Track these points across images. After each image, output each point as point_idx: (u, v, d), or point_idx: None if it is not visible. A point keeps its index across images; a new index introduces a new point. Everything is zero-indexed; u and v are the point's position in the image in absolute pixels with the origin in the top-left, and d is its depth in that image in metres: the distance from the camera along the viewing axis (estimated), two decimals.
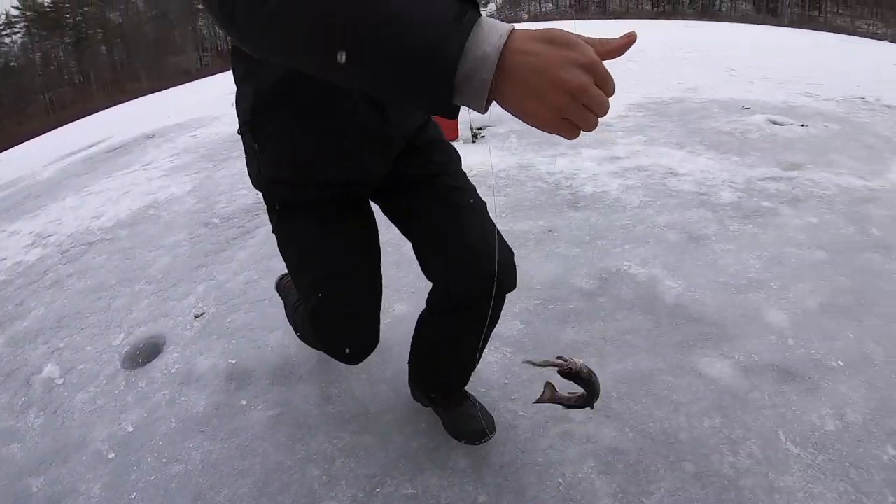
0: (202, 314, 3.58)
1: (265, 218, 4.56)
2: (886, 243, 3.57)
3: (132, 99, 60.14)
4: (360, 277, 1.86)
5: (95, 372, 3.26)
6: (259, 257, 4.24)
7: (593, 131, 0.85)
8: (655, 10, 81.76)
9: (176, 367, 3.12)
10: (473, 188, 1.96)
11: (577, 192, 4.47)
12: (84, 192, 8.74)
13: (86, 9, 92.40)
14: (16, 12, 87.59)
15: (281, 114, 1.63)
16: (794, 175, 4.74)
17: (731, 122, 6.55)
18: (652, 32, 27.50)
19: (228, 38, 1.45)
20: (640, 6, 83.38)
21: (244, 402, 2.67)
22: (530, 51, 0.79)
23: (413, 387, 2.32)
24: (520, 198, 4.43)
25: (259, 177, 1.81)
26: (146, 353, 3.33)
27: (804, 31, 38.46)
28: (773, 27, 43.70)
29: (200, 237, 4.95)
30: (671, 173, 4.78)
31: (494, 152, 5.69)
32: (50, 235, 6.70)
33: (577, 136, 0.86)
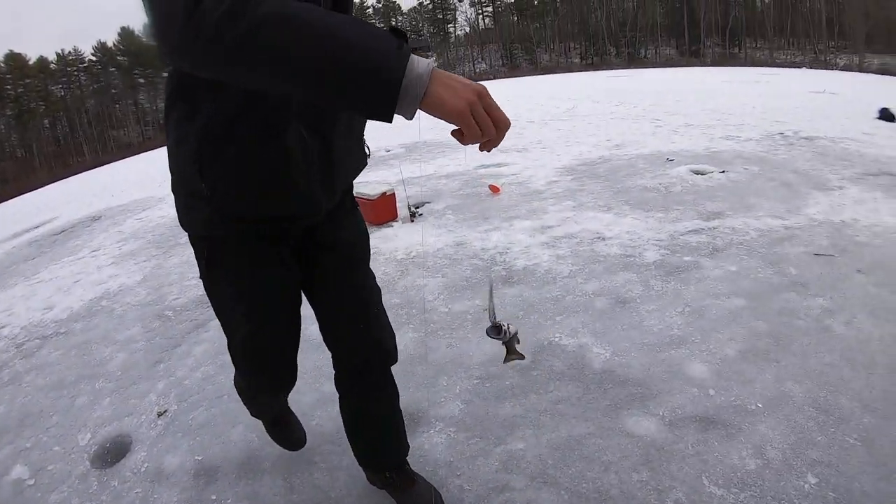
0: (165, 412, 3.63)
1: None
2: (803, 280, 3.86)
3: (75, 174, 59.72)
4: (280, 326, 2.03)
5: (66, 472, 3.28)
6: (215, 352, 4.28)
7: (491, 146, 1.23)
8: (584, 62, 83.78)
9: (145, 465, 3.16)
10: (367, 268, 2.17)
11: (510, 266, 4.65)
12: (33, 280, 8.63)
13: (27, 80, 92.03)
14: None
15: (228, 148, 1.67)
16: (715, 224, 5.03)
17: (655, 177, 6.86)
18: (580, 86, 28.23)
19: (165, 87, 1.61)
20: (569, 60, 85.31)
21: (214, 497, 2.76)
22: (446, 76, 1.13)
23: (363, 467, 2.45)
24: (456, 278, 4.58)
25: (201, 219, 1.84)
26: (114, 453, 3.36)
27: (725, 69, 39.78)
28: (696, 69, 45.11)
29: (155, 331, 5.00)
30: (599, 238, 5.01)
31: (431, 230, 5.88)
32: (3, 327, 6.58)
33: (480, 139, 1.17)
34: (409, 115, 1.12)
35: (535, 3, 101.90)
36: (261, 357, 2.09)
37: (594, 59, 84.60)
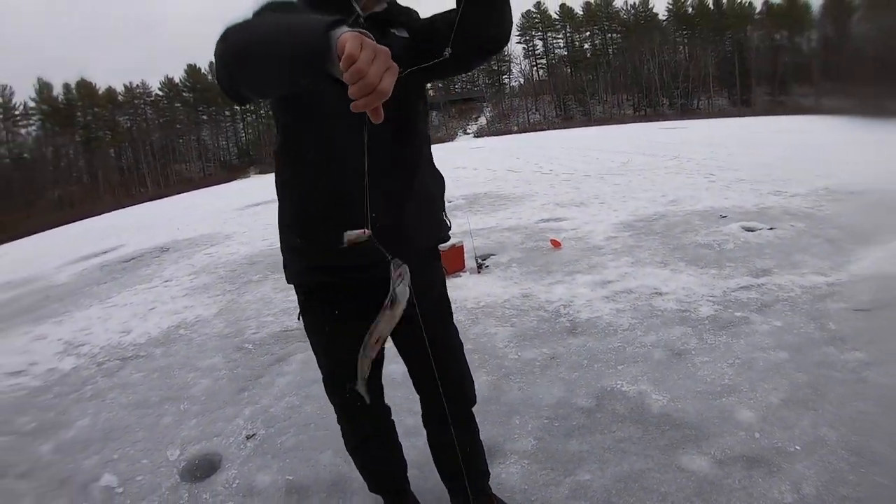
0: (253, 435, 3.92)
1: (297, 346, 5.19)
2: (841, 335, 4.07)
3: (137, 204, 61.05)
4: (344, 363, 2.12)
5: (156, 483, 3.56)
6: (297, 384, 4.60)
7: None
8: (637, 113, 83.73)
9: (237, 482, 3.42)
10: (447, 325, 2.44)
11: (574, 318, 4.96)
12: (108, 304, 9.14)
13: (96, 109, 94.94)
14: (32, 104, 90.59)
15: (312, 209, 2.02)
16: (764, 281, 5.27)
17: (709, 234, 7.10)
18: (634, 139, 28.34)
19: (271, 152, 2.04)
20: (622, 111, 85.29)
21: None
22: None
23: (449, 492, 2.78)
24: (524, 328, 4.90)
25: (297, 271, 2.19)
26: (204, 469, 3.64)
27: (775, 118, 39.39)
28: (747, 119, 44.78)
29: (236, 361, 5.35)
30: (656, 293, 5.28)
31: (498, 283, 6.20)
32: (81, 345, 7.03)
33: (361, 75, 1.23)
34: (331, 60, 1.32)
35: (588, 55, 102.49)
36: (339, 395, 2.43)
37: (647, 111, 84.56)
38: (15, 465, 4.26)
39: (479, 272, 6.66)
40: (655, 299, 5.14)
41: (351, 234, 1.65)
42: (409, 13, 2.14)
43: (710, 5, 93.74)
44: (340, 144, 1.94)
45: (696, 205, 9.07)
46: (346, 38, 1.27)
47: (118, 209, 57.80)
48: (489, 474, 2.77)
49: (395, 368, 2.80)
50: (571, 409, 3.52)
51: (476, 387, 2.67)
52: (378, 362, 2.38)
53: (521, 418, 3.50)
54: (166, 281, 10.14)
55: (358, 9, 1.99)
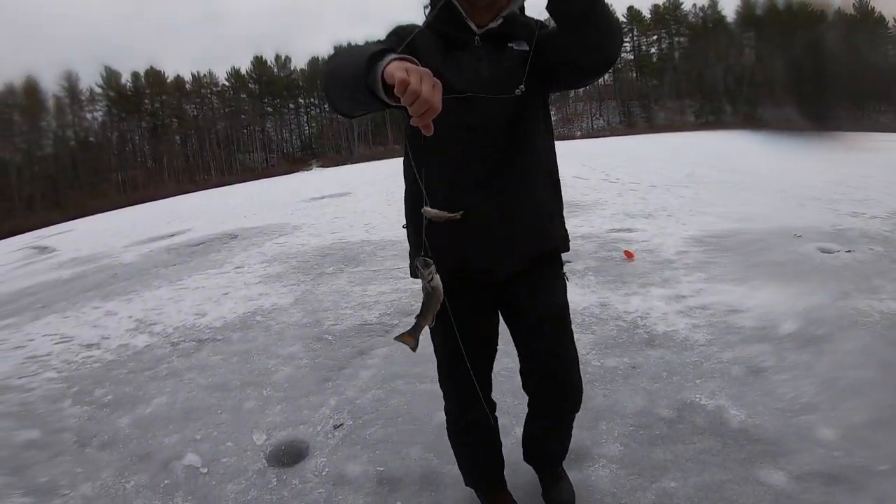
0: (341, 425, 4.07)
1: (378, 340, 5.44)
2: None
3: (201, 190, 62.17)
4: (463, 362, 2.38)
5: (242, 466, 3.72)
6: (383, 378, 4.74)
7: None
8: (699, 120, 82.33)
9: (326, 469, 3.56)
10: (560, 335, 2.53)
11: (651, 331, 5.07)
12: (178, 286, 9.53)
13: (164, 97, 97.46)
14: (99, 90, 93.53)
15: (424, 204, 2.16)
16: (842, 305, 5.27)
17: (784, 253, 7.10)
18: (698, 148, 28.03)
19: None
20: (684, 118, 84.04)
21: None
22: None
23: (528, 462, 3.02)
24: (605, 336, 5.04)
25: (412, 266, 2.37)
26: (291, 455, 3.79)
27: (850, 134, 38.33)
28: (815, 132, 43.57)
29: (317, 352, 5.53)
30: (733, 311, 5.33)
31: (576, 290, 6.30)
32: (153, 324, 7.35)
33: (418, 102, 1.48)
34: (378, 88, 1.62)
35: (655, 59, 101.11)
36: (451, 380, 2.63)
37: (710, 118, 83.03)
38: (96, 435, 4.49)
39: None
40: (732, 316, 5.20)
41: (430, 212, 2.08)
42: (530, 25, 2.23)
43: (779, 5, 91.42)
44: (453, 154, 2.19)
45: (768, 223, 9.02)
46: (392, 67, 1.54)
47: (181, 194, 58.83)
48: (564, 455, 2.98)
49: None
50: (654, 419, 3.67)
51: None
52: (489, 360, 2.62)
53: (608, 424, 3.65)
54: (238, 267, 10.45)
55: (473, 26, 2.21)
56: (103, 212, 50.53)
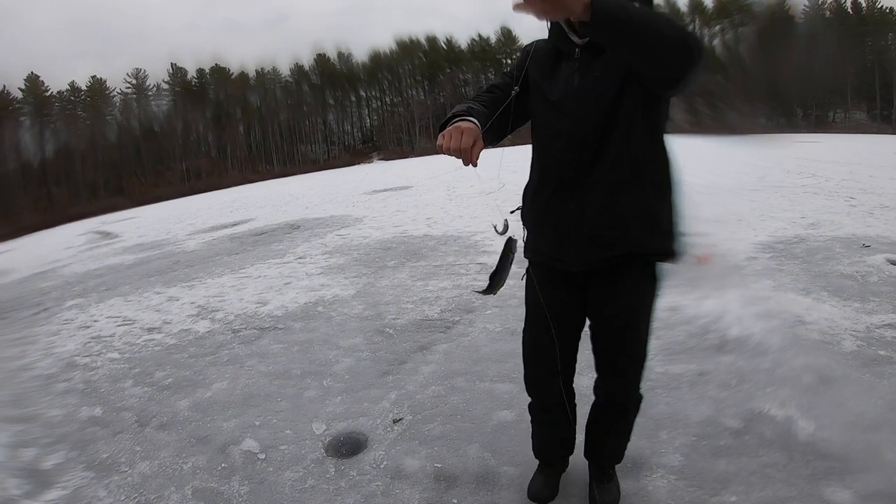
0: (401, 419, 4.13)
1: (439, 336, 5.53)
2: None
3: (263, 180, 63.40)
4: (546, 334, 2.70)
5: (300, 455, 3.81)
6: (443, 374, 4.78)
7: None
8: (770, 122, 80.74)
9: (384, 463, 3.62)
10: (631, 336, 2.65)
11: (723, 336, 4.97)
12: (241, 273, 9.75)
13: (228, 91, 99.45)
14: (166, 85, 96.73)
15: (528, 204, 2.66)
16: None
17: (852, 263, 6.93)
18: (769, 152, 27.42)
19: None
20: (755, 120, 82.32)
21: (455, 501, 3.22)
22: None
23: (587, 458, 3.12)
24: (672, 342, 4.96)
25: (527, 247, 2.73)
26: (349, 446, 3.86)
27: None
28: (889, 136, 42.59)
29: (378, 345, 5.60)
30: (799, 321, 5.20)
31: None
32: (215, 311, 7.54)
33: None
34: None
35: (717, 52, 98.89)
36: (529, 352, 2.89)
37: (780, 121, 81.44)
38: (155, 415, 4.66)
39: None
40: (798, 327, 5.10)
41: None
42: None
43: (849, 9, 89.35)
44: (547, 157, 2.54)
45: (836, 231, 8.86)
46: (445, 130, 2.21)
47: (244, 184, 59.90)
48: (620, 460, 3.05)
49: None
50: (719, 429, 3.62)
51: None
52: (567, 342, 2.77)
53: (669, 433, 3.62)
54: (300, 258, 10.61)
55: (575, 38, 2.37)
56: (167, 200, 51.81)
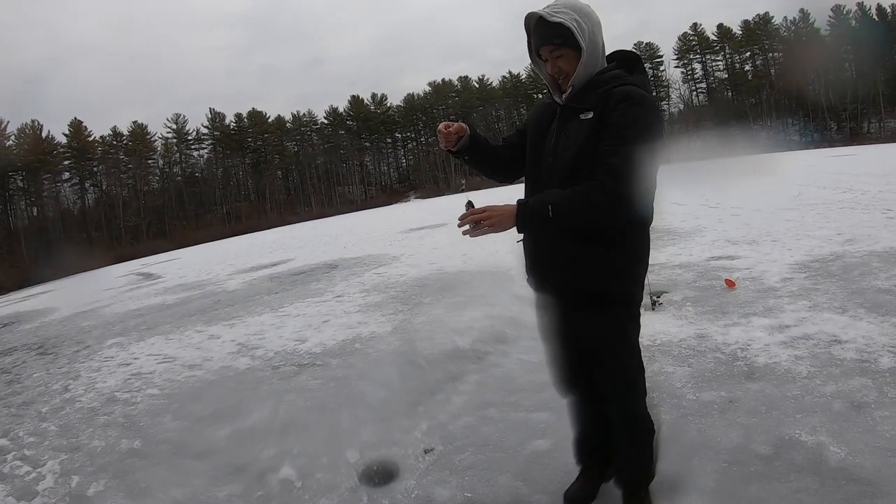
0: (432, 450, 4.16)
1: (472, 366, 5.61)
2: None
3: (302, 221, 64.55)
4: (551, 346, 2.96)
5: (335, 483, 3.87)
6: (475, 405, 4.82)
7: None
8: (804, 139, 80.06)
9: (415, 492, 3.65)
10: (609, 362, 2.81)
11: (751, 363, 4.92)
12: (280, 312, 9.97)
13: (266, 135, 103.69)
14: (205, 130, 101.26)
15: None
16: None
17: (890, 278, 6.84)
18: (803, 168, 27.23)
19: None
20: (788, 137, 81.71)
21: None
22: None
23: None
24: (702, 369, 4.94)
25: None
26: (382, 475, 3.91)
27: None
28: None
29: (411, 376, 5.65)
30: (835, 341, 5.12)
31: (672, 321, 6.25)
32: (255, 348, 7.72)
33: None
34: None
35: (750, 77, 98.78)
36: (551, 365, 3.06)
37: (813, 136, 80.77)
38: (190, 445, 4.82)
39: (653, 309, 6.73)
40: (834, 347, 5.03)
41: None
42: (605, 98, 2.51)
43: (874, 16, 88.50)
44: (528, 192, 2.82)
45: (874, 245, 8.76)
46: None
47: (283, 226, 60.86)
48: (647, 481, 3.08)
49: None
50: (750, 455, 3.59)
51: (655, 425, 2.98)
52: (567, 356, 2.99)
53: (701, 460, 3.60)
54: (338, 296, 10.84)
55: (558, 99, 2.72)
56: (208, 242, 52.82)
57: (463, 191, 2.72)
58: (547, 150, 2.69)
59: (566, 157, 2.57)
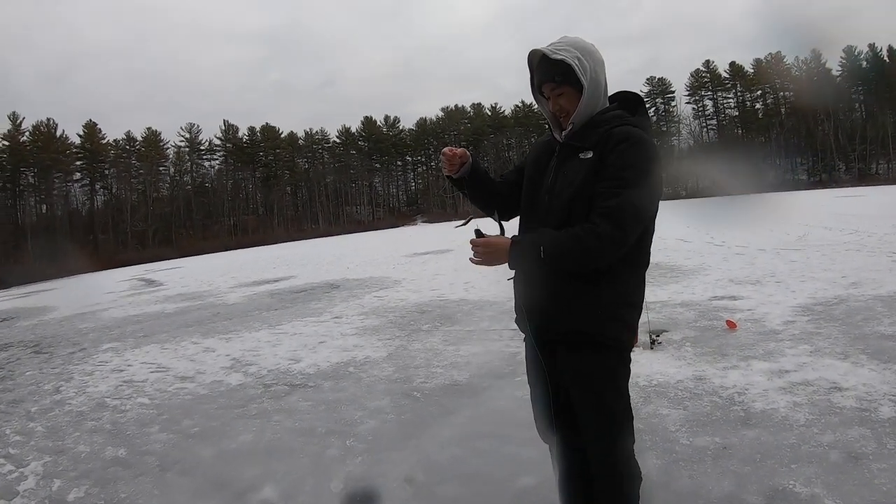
0: (414, 480, 4.14)
1: (466, 401, 5.53)
2: None
3: (308, 238, 64.91)
4: (534, 389, 2.91)
5: None
6: (466, 438, 4.76)
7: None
8: (811, 178, 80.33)
9: None
10: (590, 408, 2.69)
11: (748, 408, 4.81)
12: (277, 330, 10.03)
13: (278, 151, 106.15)
14: (218, 141, 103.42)
15: None
16: None
17: (893, 323, 6.79)
18: (811, 208, 27.25)
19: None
20: (796, 177, 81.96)
21: None
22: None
23: None
24: (697, 412, 4.83)
25: None
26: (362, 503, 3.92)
27: None
28: None
29: (404, 408, 5.63)
30: (835, 388, 5.04)
31: (671, 361, 6.16)
32: (249, 365, 7.77)
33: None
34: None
35: (760, 115, 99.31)
36: (534, 407, 2.97)
37: (822, 176, 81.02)
38: (178, 461, 4.81)
39: (651, 348, 6.64)
40: (834, 394, 4.94)
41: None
42: (605, 138, 2.47)
43: (885, 58, 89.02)
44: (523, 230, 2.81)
45: (878, 289, 8.70)
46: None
47: (289, 241, 61.20)
48: None
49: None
50: None
51: (644, 471, 2.84)
52: (544, 397, 2.88)
53: None
54: (336, 317, 10.90)
55: (558, 136, 2.69)
56: (213, 252, 53.24)
57: (467, 221, 2.62)
58: (544, 188, 2.66)
59: (563, 196, 2.53)
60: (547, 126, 2.83)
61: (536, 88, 2.71)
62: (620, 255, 2.42)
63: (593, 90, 2.54)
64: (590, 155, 2.47)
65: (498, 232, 2.61)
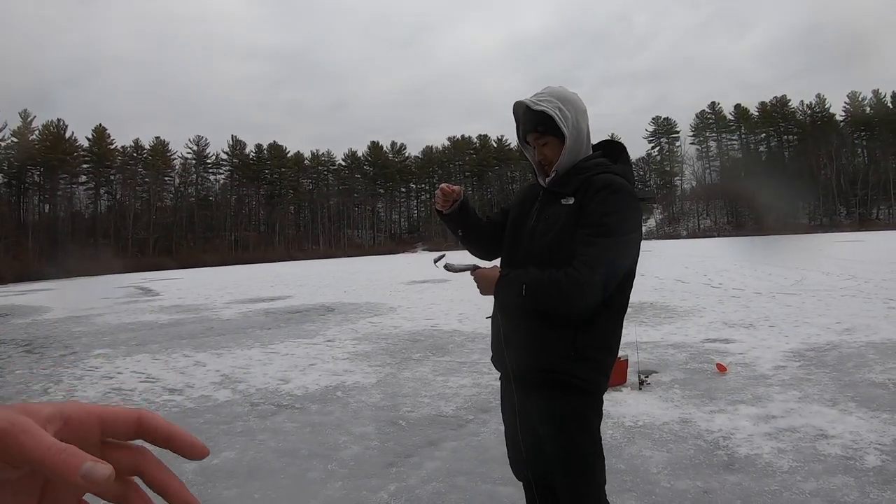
0: None
1: (450, 433, 5.51)
2: None
3: (308, 259, 64.97)
4: (507, 427, 2.85)
5: None
6: (447, 472, 4.72)
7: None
8: (812, 223, 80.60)
9: None
10: (556, 447, 2.64)
11: (732, 453, 4.76)
12: (269, 349, 10.04)
13: (283, 169, 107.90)
14: (225, 156, 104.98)
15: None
16: None
17: (885, 371, 6.77)
18: (809, 253, 27.32)
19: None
20: (797, 220, 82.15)
21: None
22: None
23: None
24: (680, 455, 4.78)
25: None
26: None
27: None
28: None
29: (388, 435, 5.60)
30: (822, 435, 5.01)
31: (658, 403, 6.12)
32: (238, 382, 7.77)
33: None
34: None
35: (763, 158, 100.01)
36: (508, 445, 2.90)
37: (822, 220, 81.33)
38: None
39: (640, 388, 6.60)
40: (820, 442, 4.91)
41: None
42: (586, 185, 2.51)
43: (889, 104, 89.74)
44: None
45: (872, 336, 8.71)
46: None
47: (288, 260, 61.37)
48: None
49: None
50: None
51: None
52: (516, 437, 2.80)
53: None
54: (329, 340, 10.94)
55: (542, 181, 2.71)
56: (212, 266, 53.36)
57: (442, 256, 2.65)
58: (526, 231, 2.69)
59: (543, 241, 2.56)
60: (531, 174, 2.87)
61: (522, 138, 2.76)
62: (599, 302, 2.42)
63: (575, 139, 2.58)
64: (571, 201, 2.51)
65: (471, 266, 2.66)
